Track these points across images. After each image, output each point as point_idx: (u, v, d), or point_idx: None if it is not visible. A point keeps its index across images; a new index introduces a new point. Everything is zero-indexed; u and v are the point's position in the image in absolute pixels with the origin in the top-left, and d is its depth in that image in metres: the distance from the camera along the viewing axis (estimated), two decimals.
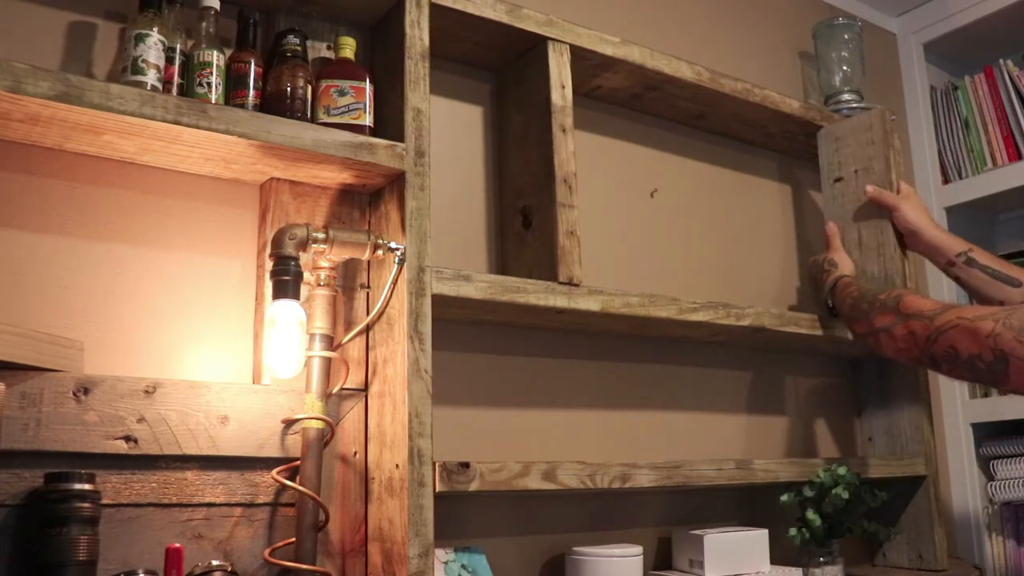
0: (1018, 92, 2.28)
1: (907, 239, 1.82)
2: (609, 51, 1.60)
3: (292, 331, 1.19)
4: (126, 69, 1.16)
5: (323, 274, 1.28)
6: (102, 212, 1.22)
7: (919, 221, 1.78)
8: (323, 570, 1.21)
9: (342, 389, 1.31)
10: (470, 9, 1.43)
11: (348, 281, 1.36)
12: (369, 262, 1.37)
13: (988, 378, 1.31)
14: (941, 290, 2.32)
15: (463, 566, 1.35)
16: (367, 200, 1.41)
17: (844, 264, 1.78)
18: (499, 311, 1.42)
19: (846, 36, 2.11)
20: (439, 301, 1.29)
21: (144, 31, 1.17)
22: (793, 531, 1.67)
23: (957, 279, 1.72)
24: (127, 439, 1.13)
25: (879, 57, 2.41)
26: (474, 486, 1.25)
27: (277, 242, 1.22)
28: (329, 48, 1.43)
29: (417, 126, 1.32)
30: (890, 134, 1.90)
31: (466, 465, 1.25)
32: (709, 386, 1.85)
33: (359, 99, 1.33)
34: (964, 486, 2.23)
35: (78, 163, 1.21)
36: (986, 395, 2.24)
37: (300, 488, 1.20)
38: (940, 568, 1.87)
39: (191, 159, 1.24)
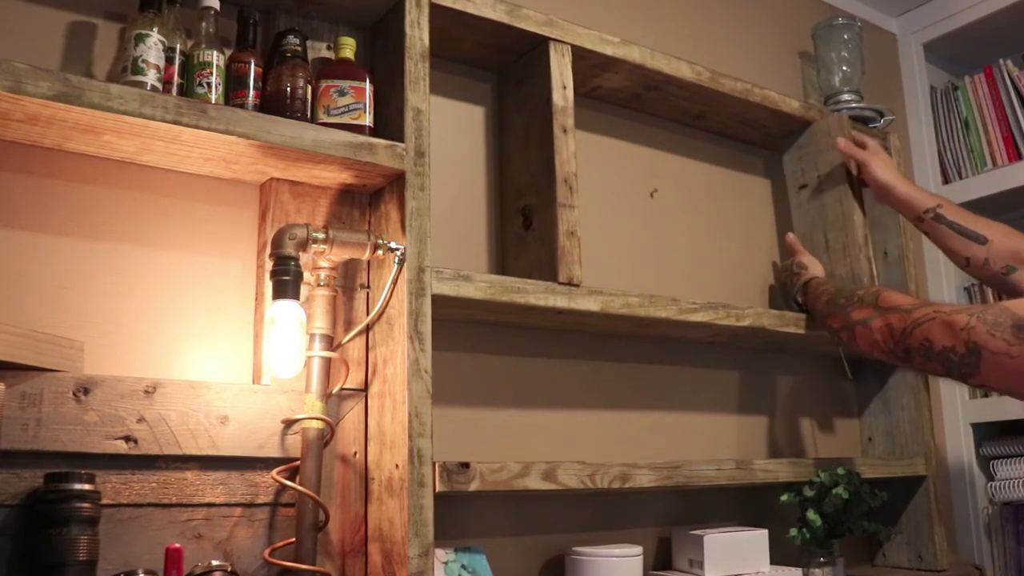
0: (1018, 92, 2.28)
1: (878, 194, 1.84)
2: (609, 51, 1.60)
3: (292, 331, 1.19)
4: (126, 69, 1.16)
5: (323, 274, 1.28)
6: (102, 212, 1.22)
7: (888, 177, 1.80)
8: (323, 570, 1.21)
9: (342, 389, 1.31)
10: (470, 9, 1.43)
11: (348, 281, 1.36)
12: (369, 262, 1.37)
13: (960, 371, 1.32)
14: (940, 291, 2.32)
15: (463, 566, 1.35)
16: (367, 200, 1.41)
17: (813, 266, 1.81)
18: (499, 311, 1.42)
19: (846, 36, 2.10)
20: (439, 301, 1.29)
21: (144, 31, 1.17)
22: (793, 531, 1.68)
23: (926, 234, 1.74)
24: (127, 439, 1.13)
25: (879, 57, 2.41)
26: (474, 486, 1.25)
27: (277, 242, 1.22)
28: (329, 48, 1.43)
29: (417, 126, 1.32)
30: (849, 138, 1.92)
31: (466, 465, 1.25)
32: (709, 386, 1.85)
33: (359, 99, 1.33)
34: (964, 486, 2.23)
35: (78, 163, 1.21)
36: (986, 395, 2.24)
37: (300, 488, 1.20)
38: (940, 568, 1.87)
39: (191, 159, 1.24)
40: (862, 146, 1.88)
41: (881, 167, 1.81)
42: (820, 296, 1.68)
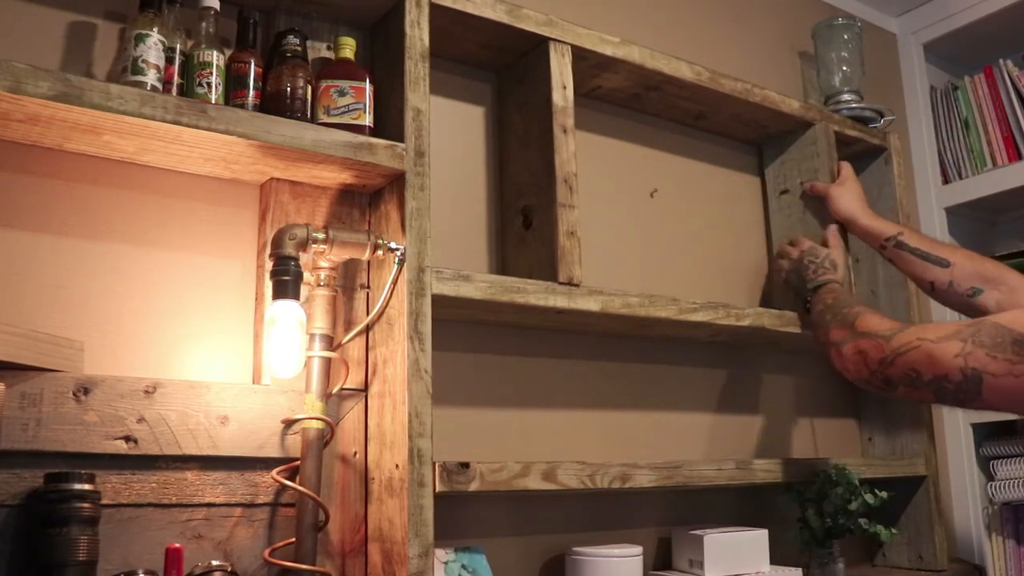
0: (1018, 92, 2.28)
1: (845, 225, 1.84)
2: (609, 51, 1.60)
3: (292, 331, 1.19)
4: (126, 69, 1.16)
5: (323, 274, 1.28)
6: (102, 212, 1.22)
7: (850, 209, 1.80)
8: (323, 570, 1.21)
9: (342, 389, 1.31)
10: (470, 9, 1.43)
11: (348, 281, 1.36)
12: (369, 262, 1.37)
13: (955, 398, 1.26)
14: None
15: (463, 566, 1.35)
16: (367, 200, 1.41)
17: (841, 269, 1.74)
18: (499, 311, 1.42)
19: (846, 36, 2.10)
20: (439, 301, 1.29)
21: (144, 31, 1.17)
22: (793, 531, 1.68)
23: (891, 261, 1.74)
24: (127, 439, 1.13)
25: (879, 57, 2.41)
26: (474, 486, 1.25)
27: (277, 242, 1.22)
28: (329, 48, 1.43)
29: (417, 126, 1.32)
30: (832, 147, 1.93)
31: (466, 465, 1.25)
32: (709, 386, 1.85)
33: (359, 99, 1.33)
34: (964, 486, 2.23)
35: (78, 163, 1.21)
36: None
37: (300, 488, 1.20)
38: (940, 568, 1.87)
39: (191, 159, 1.24)
40: (838, 171, 1.89)
41: (843, 199, 1.81)
42: (818, 304, 1.62)
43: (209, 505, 1.19)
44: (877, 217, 1.81)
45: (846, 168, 1.89)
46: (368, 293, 1.37)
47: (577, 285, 1.44)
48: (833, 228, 1.84)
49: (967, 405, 1.27)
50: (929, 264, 1.64)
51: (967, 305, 1.60)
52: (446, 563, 1.33)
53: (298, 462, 1.23)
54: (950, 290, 1.61)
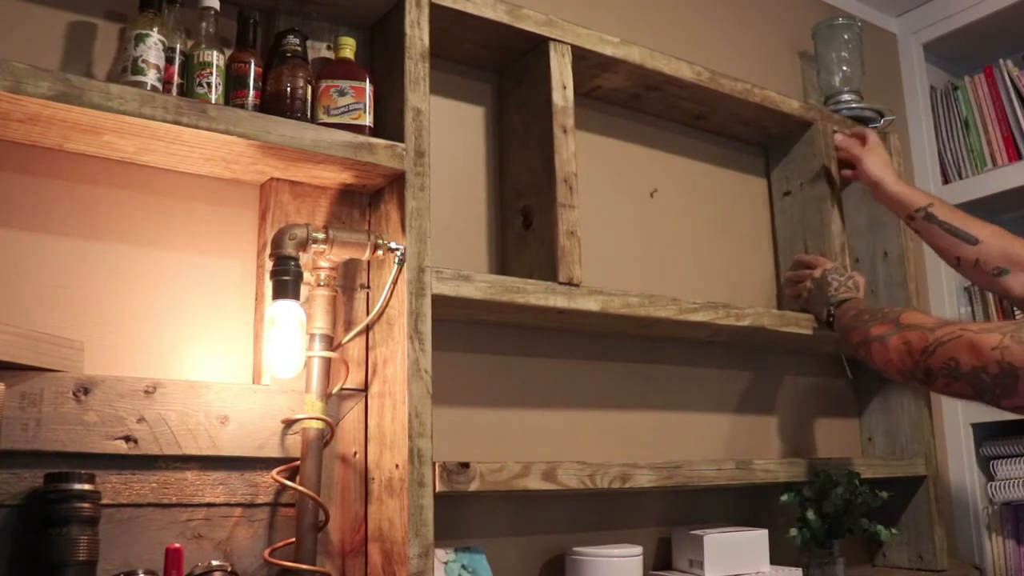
0: (1018, 92, 2.28)
1: (871, 191, 1.84)
2: (609, 51, 1.60)
3: (292, 331, 1.19)
4: (126, 69, 1.16)
5: (323, 274, 1.28)
6: (102, 212, 1.22)
7: (881, 174, 1.79)
8: (323, 570, 1.21)
9: (342, 389, 1.31)
10: (470, 9, 1.43)
11: (348, 281, 1.36)
12: (369, 262, 1.37)
13: (992, 392, 1.24)
14: (940, 291, 2.32)
15: (463, 566, 1.35)
16: (367, 200, 1.41)
17: (862, 291, 1.74)
18: (499, 311, 1.42)
19: (846, 36, 2.10)
20: (439, 301, 1.29)
21: (144, 31, 1.17)
22: (793, 531, 1.68)
23: (917, 232, 1.73)
24: (127, 439, 1.13)
25: (879, 57, 2.41)
26: (474, 486, 1.25)
27: (277, 242, 1.22)
28: (329, 48, 1.43)
29: (417, 126, 1.32)
30: (831, 147, 1.93)
31: (466, 465, 1.25)
32: (709, 386, 1.85)
33: (359, 99, 1.33)
34: (964, 486, 2.23)
35: (78, 163, 1.21)
36: None
37: (300, 488, 1.20)
38: (940, 568, 1.88)
39: (191, 159, 1.24)
40: (862, 138, 1.87)
41: (875, 164, 1.80)
42: (849, 311, 1.61)
43: (209, 505, 1.19)
44: (908, 185, 1.79)
45: (873, 134, 1.87)
46: (368, 293, 1.37)
47: (577, 285, 1.44)
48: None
49: (1004, 401, 1.25)
50: (958, 240, 1.62)
51: (991, 284, 1.60)
52: (446, 563, 1.33)
53: (298, 462, 1.23)
54: (976, 268, 1.59)
